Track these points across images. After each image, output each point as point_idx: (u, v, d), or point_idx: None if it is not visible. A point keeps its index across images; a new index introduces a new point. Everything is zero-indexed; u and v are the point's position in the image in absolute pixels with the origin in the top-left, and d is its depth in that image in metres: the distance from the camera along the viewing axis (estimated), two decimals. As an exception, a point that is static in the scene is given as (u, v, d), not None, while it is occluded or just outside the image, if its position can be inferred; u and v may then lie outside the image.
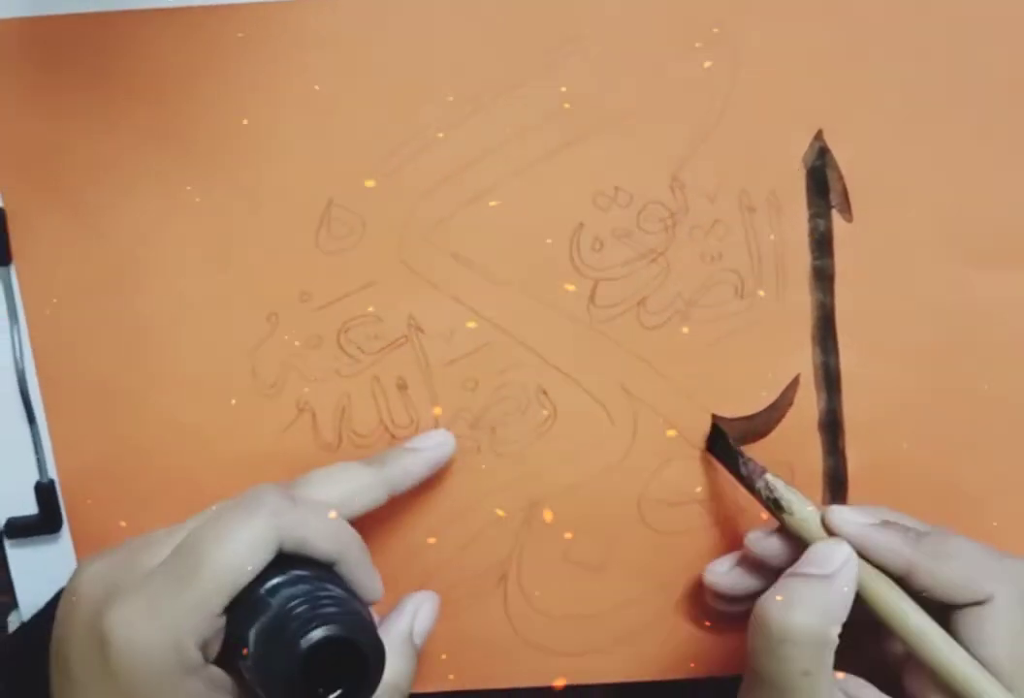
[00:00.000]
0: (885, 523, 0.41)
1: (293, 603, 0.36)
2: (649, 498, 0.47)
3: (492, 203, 0.45)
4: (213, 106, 0.44)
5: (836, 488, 0.47)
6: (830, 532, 0.41)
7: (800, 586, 0.39)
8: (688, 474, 0.47)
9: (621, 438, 0.47)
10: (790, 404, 0.47)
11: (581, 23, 0.44)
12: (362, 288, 0.46)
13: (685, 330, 0.46)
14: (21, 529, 0.46)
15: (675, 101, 0.45)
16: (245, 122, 0.45)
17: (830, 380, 0.46)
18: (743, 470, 0.44)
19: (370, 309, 0.46)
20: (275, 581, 0.38)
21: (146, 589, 0.37)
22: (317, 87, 0.44)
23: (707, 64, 0.45)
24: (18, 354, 0.45)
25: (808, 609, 0.38)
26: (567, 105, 0.45)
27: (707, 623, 0.48)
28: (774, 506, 0.42)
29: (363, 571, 0.41)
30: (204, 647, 0.37)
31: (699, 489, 0.47)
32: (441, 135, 0.45)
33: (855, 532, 0.41)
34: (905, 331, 0.46)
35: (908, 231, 0.46)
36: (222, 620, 0.37)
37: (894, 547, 0.40)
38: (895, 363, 0.46)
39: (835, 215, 0.45)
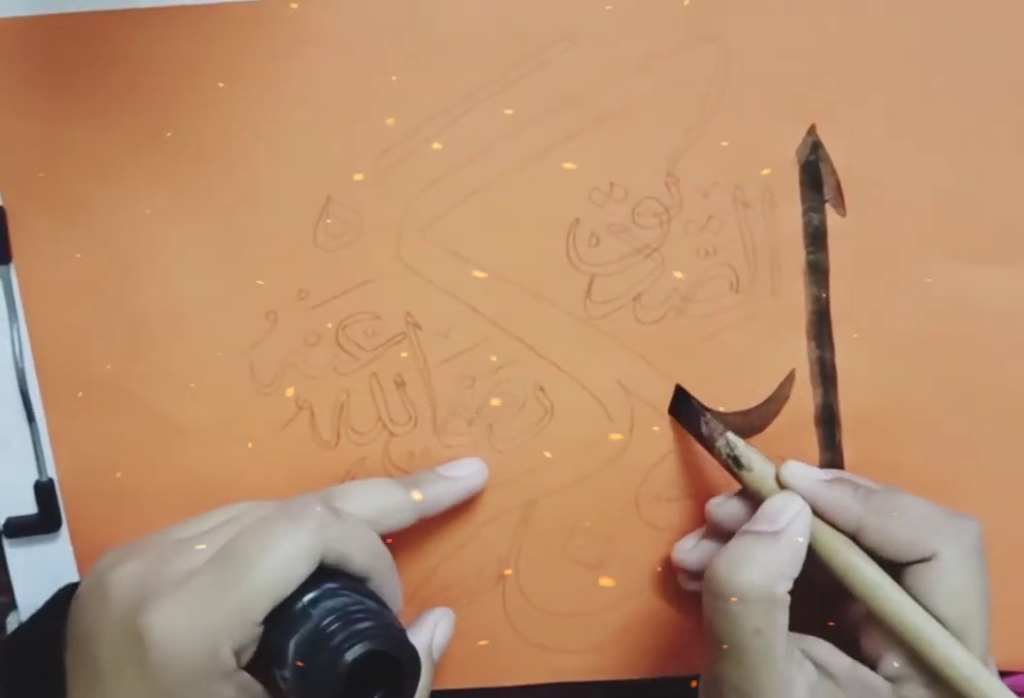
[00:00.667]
0: (837, 479, 0.42)
1: (332, 617, 0.37)
2: (647, 494, 0.47)
3: (488, 200, 0.45)
4: (211, 105, 0.45)
5: (833, 482, 0.47)
6: (784, 488, 0.42)
7: (748, 543, 0.40)
8: (686, 469, 0.47)
9: (618, 434, 0.47)
10: (786, 399, 0.47)
11: (574, 20, 0.45)
12: (360, 285, 0.46)
13: (681, 325, 0.46)
14: (20, 528, 0.46)
15: (669, 97, 0.45)
16: (242, 120, 0.45)
17: (826, 375, 0.47)
18: (704, 430, 0.44)
19: (368, 306, 0.46)
20: (314, 593, 0.38)
21: (187, 592, 0.37)
22: (313, 85, 0.45)
23: (700, 59, 0.45)
24: (17, 353, 0.45)
25: (755, 566, 0.39)
26: (562, 101, 0.45)
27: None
28: (734, 464, 0.43)
29: (392, 585, 0.42)
30: (239, 653, 0.37)
31: (697, 484, 0.47)
32: (437, 132, 0.45)
33: (806, 487, 0.41)
34: (900, 325, 0.46)
35: (902, 225, 0.46)
36: (260, 628, 0.37)
37: (844, 503, 0.41)
38: (890, 357, 0.46)
39: (829, 209, 0.46)
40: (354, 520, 0.41)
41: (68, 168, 0.45)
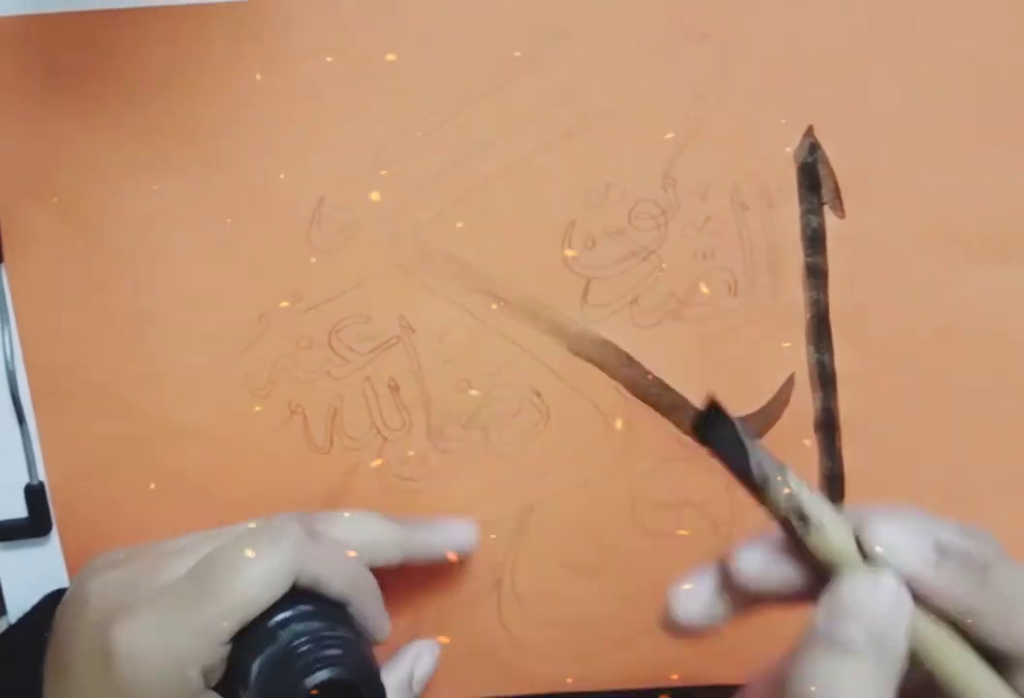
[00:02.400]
0: (942, 555, 0.32)
1: (300, 640, 0.37)
2: (644, 500, 0.47)
3: (482, 201, 0.45)
4: (204, 106, 0.44)
5: (833, 488, 0.46)
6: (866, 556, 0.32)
7: (831, 660, 0.30)
8: (684, 475, 0.46)
9: (615, 439, 0.46)
10: (786, 403, 0.46)
11: (569, 20, 0.44)
12: (353, 288, 0.45)
13: (678, 329, 0.46)
14: (10, 532, 0.46)
15: (665, 97, 0.45)
16: (235, 121, 0.45)
17: (825, 379, 0.46)
18: (756, 471, 0.33)
19: (361, 309, 0.45)
20: (285, 615, 0.38)
21: (156, 608, 0.37)
22: (307, 86, 0.44)
23: (696, 59, 0.45)
24: (8, 354, 0.45)
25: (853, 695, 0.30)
26: (556, 101, 0.45)
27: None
28: (797, 519, 0.32)
29: (373, 614, 0.41)
30: (207, 672, 0.37)
31: (696, 490, 0.46)
32: (431, 133, 0.45)
33: (909, 571, 0.31)
34: (899, 328, 0.46)
35: (901, 227, 0.45)
36: (227, 648, 0.37)
37: (958, 590, 0.32)
38: (890, 360, 0.46)
39: (827, 211, 0.45)
40: (333, 544, 0.40)
41: (60, 170, 0.45)
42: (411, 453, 0.46)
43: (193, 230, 0.45)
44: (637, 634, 0.47)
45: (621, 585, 0.47)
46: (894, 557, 0.31)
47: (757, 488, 0.32)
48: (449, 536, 0.45)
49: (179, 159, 0.45)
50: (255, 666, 0.37)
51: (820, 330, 0.46)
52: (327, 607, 0.39)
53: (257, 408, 0.46)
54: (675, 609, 0.35)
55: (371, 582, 0.41)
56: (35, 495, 0.46)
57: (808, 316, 0.46)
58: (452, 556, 0.45)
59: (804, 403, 0.46)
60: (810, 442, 0.46)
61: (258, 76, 0.44)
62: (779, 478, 0.32)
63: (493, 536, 0.47)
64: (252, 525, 0.41)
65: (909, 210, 0.45)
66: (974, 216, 0.45)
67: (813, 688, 0.30)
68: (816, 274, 0.46)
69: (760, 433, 0.46)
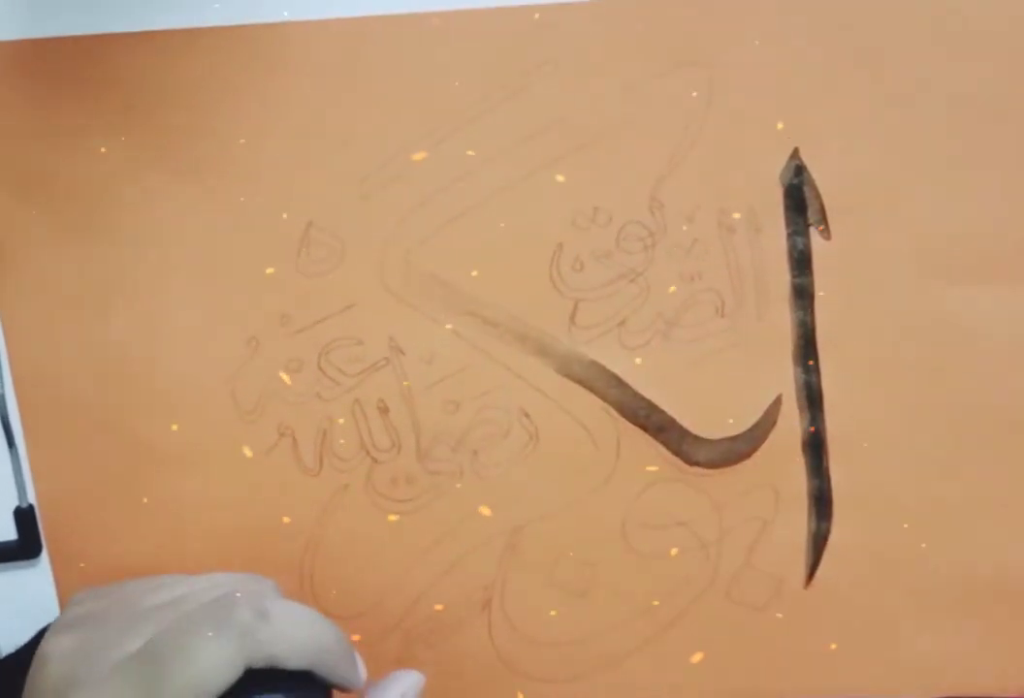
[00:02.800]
0: None
1: None
2: (633, 521, 0.47)
3: (471, 224, 0.45)
4: (194, 130, 0.45)
5: (821, 509, 0.47)
6: None
7: None
8: (672, 496, 0.46)
9: (604, 460, 0.46)
10: (773, 424, 0.46)
11: (558, 45, 0.45)
12: (342, 310, 0.46)
13: (666, 350, 0.46)
14: (0, 554, 0.46)
15: (652, 121, 0.45)
16: (225, 145, 0.45)
17: (812, 399, 0.46)
18: None
19: (351, 331, 0.46)
20: None
21: (106, 688, 0.36)
22: (297, 110, 0.45)
23: (682, 84, 0.45)
24: (-2, 378, 0.45)
25: None
26: (544, 125, 0.45)
27: (694, 650, 0.47)
28: None
29: (342, 673, 0.39)
30: None
31: (683, 510, 0.46)
32: (419, 157, 0.45)
33: None
34: (886, 349, 0.46)
35: (887, 248, 0.46)
36: None
37: None
38: (877, 381, 0.46)
39: (813, 233, 0.46)
40: (287, 617, 0.38)
41: (52, 192, 0.45)
42: (401, 475, 0.46)
43: (183, 255, 0.45)
44: (626, 655, 0.47)
45: (611, 605, 0.47)
46: None
47: None
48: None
49: (168, 184, 0.45)
50: None
51: (807, 351, 0.46)
52: (291, 681, 0.38)
53: (247, 431, 0.46)
54: None
55: (336, 640, 0.39)
56: (25, 518, 0.46)
57: (795, 337, 0.46)
58: None
59: (791, 423, 0.46)
60: (798, 462, 0.46)
61: (249, 100, 0.45)
62: None
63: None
64: (202, 581, 0.41)
65: (894, 231, 0.46)
66: (959, 237, 0.46)
67: None
68: (803, 295, 0.46)
69: (748, 453, 0.46)
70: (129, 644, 0.37)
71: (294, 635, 0.38)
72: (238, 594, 0.39)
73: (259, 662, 0.37)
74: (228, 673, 0.36)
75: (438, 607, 0.47)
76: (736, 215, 0.46)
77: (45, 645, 0.39)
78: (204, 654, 0.36)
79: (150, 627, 0.38)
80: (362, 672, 0.41)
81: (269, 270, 0.45)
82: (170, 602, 0.39)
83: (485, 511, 0.47)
